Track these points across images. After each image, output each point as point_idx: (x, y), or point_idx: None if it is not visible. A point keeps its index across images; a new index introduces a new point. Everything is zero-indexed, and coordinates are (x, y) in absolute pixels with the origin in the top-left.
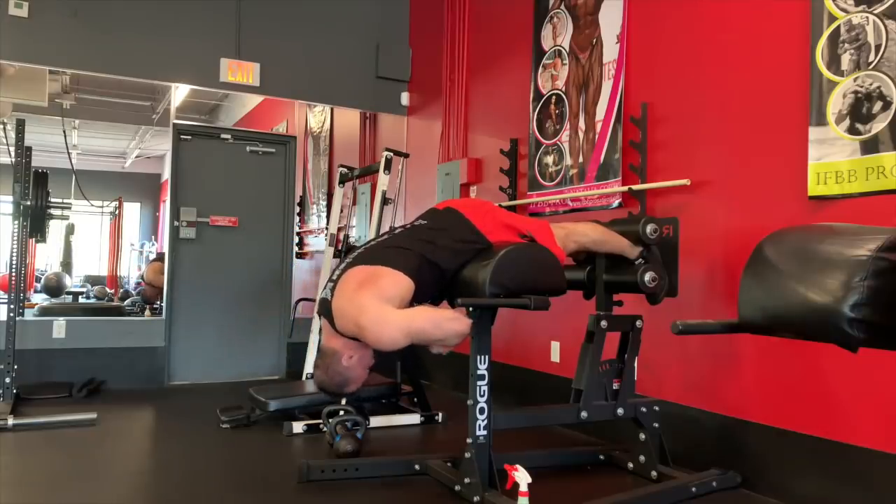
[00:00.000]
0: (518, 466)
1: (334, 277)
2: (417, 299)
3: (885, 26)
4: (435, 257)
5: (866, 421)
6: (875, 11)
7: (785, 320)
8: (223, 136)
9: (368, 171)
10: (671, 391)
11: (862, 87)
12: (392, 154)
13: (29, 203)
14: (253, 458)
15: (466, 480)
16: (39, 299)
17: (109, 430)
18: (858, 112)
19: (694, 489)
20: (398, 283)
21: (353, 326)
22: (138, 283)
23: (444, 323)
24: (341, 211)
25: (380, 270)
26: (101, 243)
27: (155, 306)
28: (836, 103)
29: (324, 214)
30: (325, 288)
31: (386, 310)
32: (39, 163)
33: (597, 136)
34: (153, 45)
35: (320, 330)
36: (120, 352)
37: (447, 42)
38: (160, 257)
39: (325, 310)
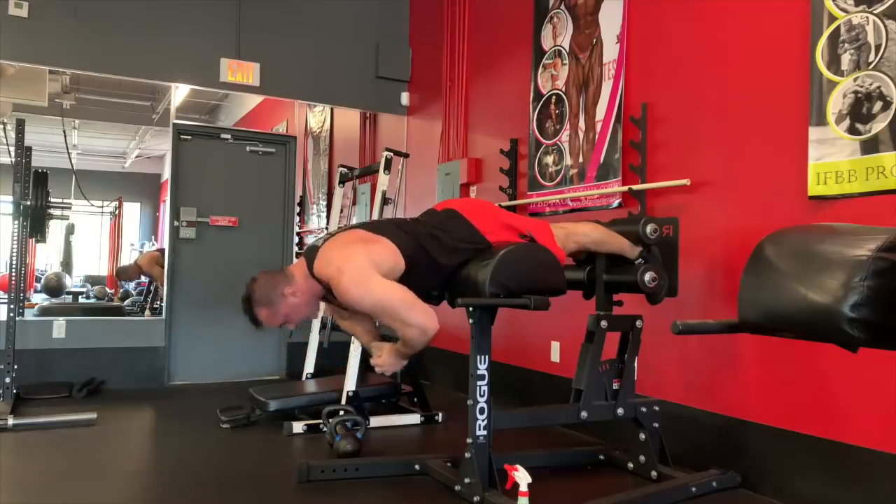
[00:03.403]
0: (518, 466)
1: (332, 232)
2: (405, 284)
3: (885, 26)
4: (432, 250)
5: (866, 421)
6: (875, 11)
7: (785, 320)
8: (223, 136)
9: (368, 171)
10: (671, 391)
11: (862, 87)
12: (392, 154)
13: (29, 203)
14: (253, 458)
15: (466, 480)
16: (39, 299)
17: (109, 430)
18: (858, 112)
19: (694, 489)
20: (391, 254)
21: (332, 270)
22: (138, 284)
23: (417, 310)
24: (341, 211)
25: (378, 237)
26: (101, 243)
27: (122, 286)
28: (836, 103)
29: (324, 214)
30: (318, 238)
31: (370, 270)
32: (39, 163)
33: (597, 136)
34: (153, 45)
35: (321, 329)
36: (120, 352)
37: (447, 42)
38: (161, 250)
39: (311, 251)
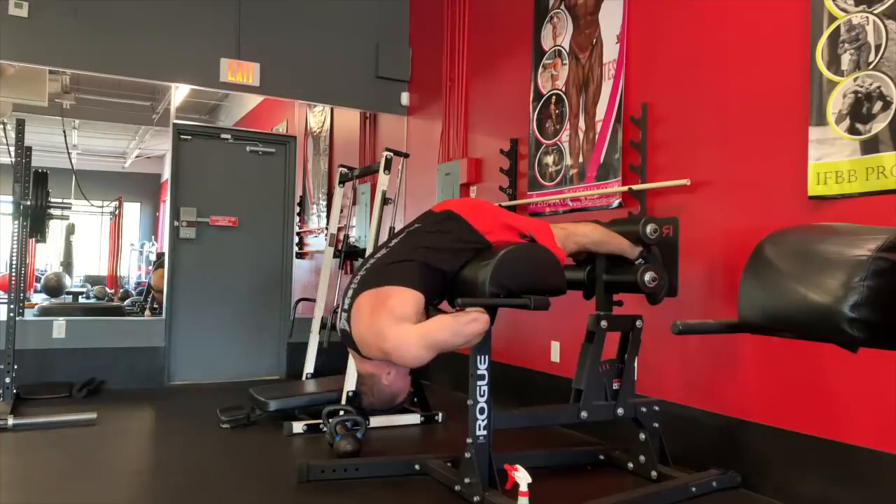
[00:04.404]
0: (518, 466)
1: (346, 307)
2: (427, 304)
3: (885, 26)
4: (436, 262)
5: (866, 421)
6: (875, 11)
7: (785, 320)
8: (223, 136)
9: (368, 171)
10: (671, 391)
11: (862, 87)
12: (392, 154)
13: (29, 203)
14: (253, 458)
15: (466, 480)
16: (39, 299)
17: (109, 430)
18: (858, 112)
19: (694, 489)
20: (408, 299)
21: (377, 352)
22: (138, 283)
23: (463, 328)
24: (341, 211)
25: (387, 291)
26: (101, 243)
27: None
28: (836, 103)
29: (324, 214)
30: (340, 319)
31: (404, 331)
32: (39, 163)
33: (597, 136)
34: (153, 45)
35: (320, 329)
36: (120, 352)
37: (447, 42)
38: (162, 261)
39: (349, 341)
